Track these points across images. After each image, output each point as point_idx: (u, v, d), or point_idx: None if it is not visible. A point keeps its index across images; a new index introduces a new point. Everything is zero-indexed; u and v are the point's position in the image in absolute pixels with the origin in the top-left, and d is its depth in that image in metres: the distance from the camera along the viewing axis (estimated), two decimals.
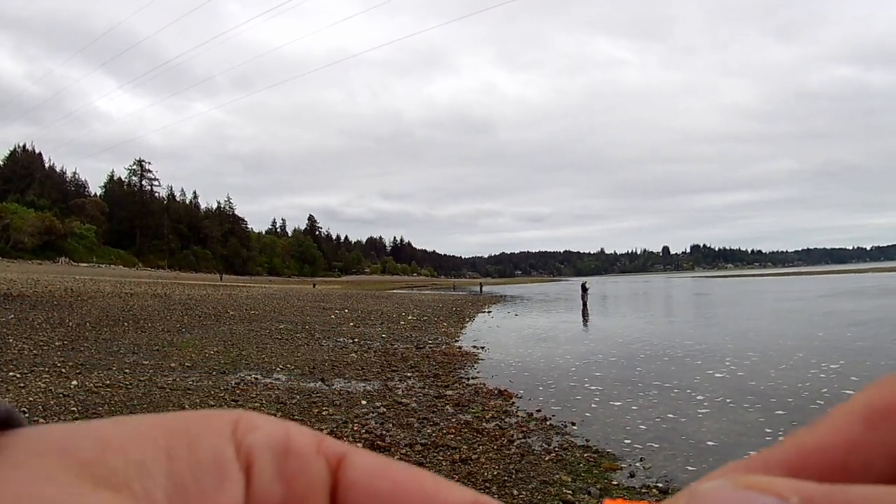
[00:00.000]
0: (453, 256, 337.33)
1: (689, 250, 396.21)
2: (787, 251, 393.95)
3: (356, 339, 17.10)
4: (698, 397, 9.79)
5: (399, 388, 10.34)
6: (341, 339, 16.98)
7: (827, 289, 51.69)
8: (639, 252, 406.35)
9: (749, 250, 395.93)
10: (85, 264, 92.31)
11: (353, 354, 14.18)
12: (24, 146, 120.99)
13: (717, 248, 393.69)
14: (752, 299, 43.45)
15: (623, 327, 23.89)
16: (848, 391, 9.79)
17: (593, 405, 9.53)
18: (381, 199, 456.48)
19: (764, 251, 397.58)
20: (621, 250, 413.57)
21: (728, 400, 9.54)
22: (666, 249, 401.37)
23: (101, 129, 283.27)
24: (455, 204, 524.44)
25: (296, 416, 7.81)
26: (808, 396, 9.58)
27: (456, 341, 18.58)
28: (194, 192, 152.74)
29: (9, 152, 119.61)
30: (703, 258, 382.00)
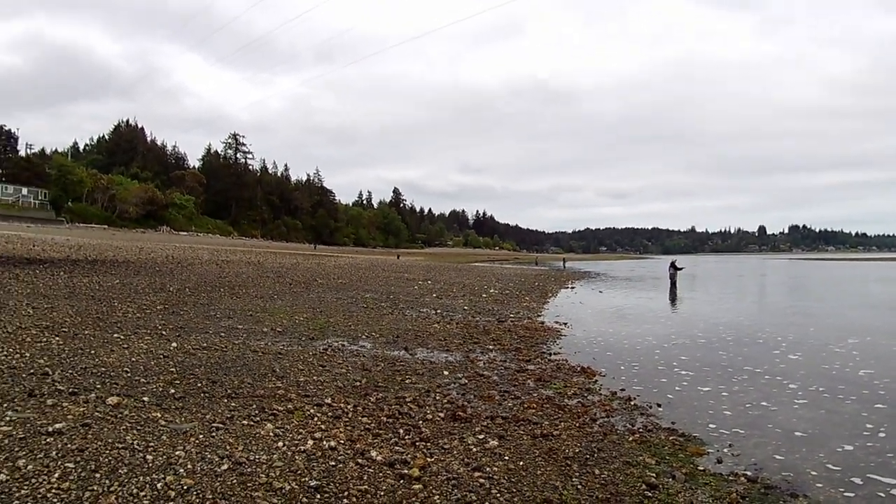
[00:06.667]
0: (536, 231, 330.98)
1: (787, 231, 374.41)
2: (894, 235, 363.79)
3: (439, 311, 17.31)
4: (791, 386, 9.34)
5: (481, 361, 10.41)
6: (424, 310, 17.23)
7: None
8: (732, 231, 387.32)
9: (853, 233, 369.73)
10: (184, 233, 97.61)
11: (436, 325, 14.36)
12: (128, 121, 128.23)
13: (817, 230, 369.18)
14: (831, 284, 42.90)
15: (712, 309, 23.04)
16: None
17: (678, 388, 9.27)
18: (460, 172, 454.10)
19: (869, 234, 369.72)
20: (713, 229, 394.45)
21: (821, 388, 9.07)
22: (762, 229, 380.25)
23: (192, 106, 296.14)
24: (536, 178, 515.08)
25: (380, 384, 8.02)
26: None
27: (538, 316, 18.48)
28: (285, 165, 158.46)
29: (113, 127, 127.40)
30: (802, 239, 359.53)
